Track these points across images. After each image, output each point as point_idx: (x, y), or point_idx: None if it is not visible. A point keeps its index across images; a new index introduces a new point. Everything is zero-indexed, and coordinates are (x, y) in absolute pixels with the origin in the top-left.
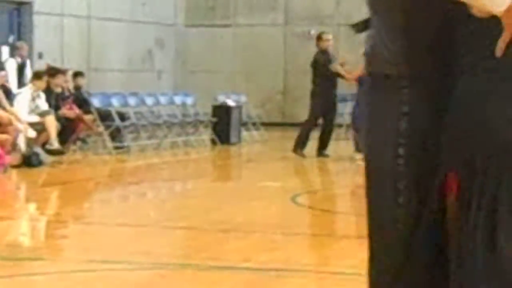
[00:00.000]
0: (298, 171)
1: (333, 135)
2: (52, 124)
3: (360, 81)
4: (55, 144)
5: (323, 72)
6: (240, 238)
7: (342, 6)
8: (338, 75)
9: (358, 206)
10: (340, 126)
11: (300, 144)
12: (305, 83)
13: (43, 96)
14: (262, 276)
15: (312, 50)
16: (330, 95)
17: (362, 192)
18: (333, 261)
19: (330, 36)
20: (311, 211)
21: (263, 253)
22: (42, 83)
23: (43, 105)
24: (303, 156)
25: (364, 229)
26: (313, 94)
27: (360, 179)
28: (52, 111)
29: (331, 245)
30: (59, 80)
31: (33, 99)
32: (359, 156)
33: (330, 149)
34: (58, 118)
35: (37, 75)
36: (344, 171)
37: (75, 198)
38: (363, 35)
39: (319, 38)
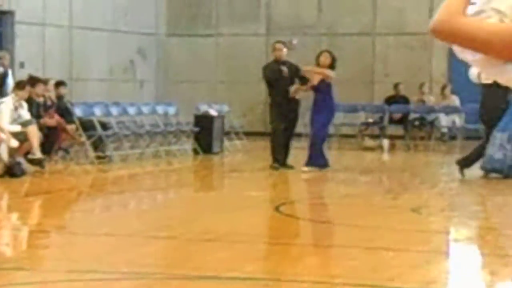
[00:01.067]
0: (281, 181)
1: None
2: (34, 134)
3: (316, 89)
4: (37, 154)
5: (273, 81)
6: (225, 248)
7: (324, 16)
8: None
9: (342, 215)
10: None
11: (277, 157)
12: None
13: (25, 105)
14: (248, 286)
15: (293, 59)
16: (285, 103)
17: (345, 201)
18: (319, 271)
19: (281, 46)
20: (295, 221)
21: (248, 263)
22: (24, 93)
23: (26, 114)
24: (278, 169)
25: (348, 238)
26: (270, 105)
27: (346, 189)
28: (34, 120)
29: (316, 254)
30: (39, 89)
31: (16, 108)
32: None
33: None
34: (40, 127)
35: (19, 85)
36: (327, 181)
37: (58, 208)
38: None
39: (274, 48)
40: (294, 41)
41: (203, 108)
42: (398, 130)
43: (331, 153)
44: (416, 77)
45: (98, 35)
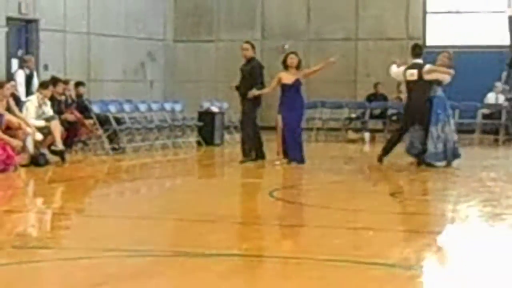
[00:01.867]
0: (274, 169)
1: (305, 137)
2: (56, 128)
3: (290, 87)
4: (59, 146)
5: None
6: (224, 229)
7: (312, 24)
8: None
9: (328, 199)
10: (310, 129)
11: (245, 152)
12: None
13: (48, 103)
14: (244, 262)
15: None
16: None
17: (330, 187)
18: (307, 248)
19: (246, 45)
20: (286, 204)
21: (245, 241)
22: (47, 92)
23: (49, 111)
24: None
25: (333, 220)
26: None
27: (332, 177)
28: (57, 116)
29: (305, 234)
30: (59, 88)
31: (40, 105)
32: (279, 162)
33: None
34: (62, 122)
35: (43, 85)
36: (315, 169)
37: (77, 193)
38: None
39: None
40: (286, 46)
41: (206, 105)
42: (377, 124)
43: (319, 145)
44: (393, 78)
45: (113, 40)
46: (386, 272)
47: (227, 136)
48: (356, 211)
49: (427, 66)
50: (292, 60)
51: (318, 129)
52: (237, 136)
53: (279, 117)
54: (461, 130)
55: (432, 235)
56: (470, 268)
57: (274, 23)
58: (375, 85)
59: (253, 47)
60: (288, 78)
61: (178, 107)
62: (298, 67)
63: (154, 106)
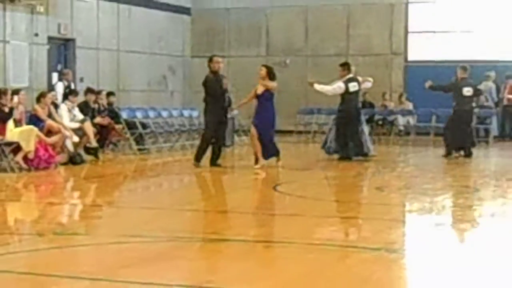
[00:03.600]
0: (277, 167)
1: (304, 139)
2: (89, 128)
3: (258, 97)
4: (93, 143)
5: (213, 91)
6: (234, 218)
7: (310, 42)
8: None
9: (323, 192)
10: (308, 132)
11: (199, 157)
12: (280, 99)
13: (77, 108)
14: (252, 246)
15: (286, 74)
16: (220, 111)
17: (326, 182)
18: (306, 234)
19: (220, 59)
20: (288, 197)
21: (253, 228)
22: (75, 99)
23: (79, 114)
24: (199, 166)
25: (328, 210)
26: (205, 111)
27: (327, 173)
28: (88, 118)
29: (303, 222)
30: (91, 97)
31: (70, 110)
32: (258, 166)
33: (303, 150)
34: (94, 126)
35: (71, 93)
36: (312, 166)
37: (108, 187)
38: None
39: (209, 60)
40: (287, 61)
41: None
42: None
43: (315, 146)
44: (379, 87)
45: (139, 56)
46: (372, 255)
47: (236, 138)
48: (347, 203)
49: (360, 78)
50: (261, 71)
51: (314, 132)
52: (245, 138)
53: (252, 126)
54: (438, 133)
55: (413, 223)
56: (445, 250)
57: (277, 42)
58: (364, 94)
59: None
60: (259, 88)
61: (195, 113)
62: (271, 78)
63: (174, 113)
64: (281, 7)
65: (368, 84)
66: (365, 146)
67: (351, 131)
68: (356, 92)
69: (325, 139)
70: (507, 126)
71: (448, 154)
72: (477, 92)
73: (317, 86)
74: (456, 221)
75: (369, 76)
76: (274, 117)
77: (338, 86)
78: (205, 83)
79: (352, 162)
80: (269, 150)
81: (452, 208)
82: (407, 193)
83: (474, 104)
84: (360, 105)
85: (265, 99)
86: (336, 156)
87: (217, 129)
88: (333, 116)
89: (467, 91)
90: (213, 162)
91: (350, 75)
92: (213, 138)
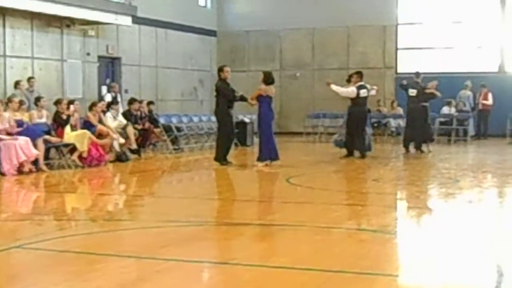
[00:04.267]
0: (290, 162)
1: (312, 139)
2: (131, 132)
3: (260, 101)
4: (133, 145)
5: (226, 94)
6: (255, 205)
7: (316, 57)
8: (242, 99)
9: (328, 183)
10: (315, 133)
11: (221, 156)
12: (291, 106)
13: (120, 115)
14: (269, 229)
15: (296, 85)
16: (229, 114)
17: (330, 175)
18: (314, 219)
19: (229, 69)
20: (299, 188)
21: (269, 214)
22: (117, 107)
23: (123, 120)
24: (227, 164)
25: (332, 198)
26: (217, 112)
27: (331, 167)
28: (130, 123)
29: (313, 209)
30: (135, 106)
31: (114, 117)
32: (261, 164)
33: (311, 148)
34: (137, 130)
35: (113, 103)
36: (319, 162)
37: (149, 181)
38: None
39: (220, 70)
40: (297, 74)
41: (240, 117)
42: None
43: (321, 145)
44: (375, 96)
45: (174, 71)
46: (370, 236)
47: (255, 139)
48: (349, 192)
49: (369, 86)
50: (261, 77)
51: (321, 133)
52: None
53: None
54: None
55: (404, 209)
56: (433, 232)
57: (289, 58)
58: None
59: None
60: (256, 93)
61: None
62: (269, 82)
63: (204, 118)
64: (292, 29)
65: (373, 92)
66: (368, 143)
67: (358, 131)
68: (365, 98)
69: (336, 136)
70: (482, 127)
71: (406, 150)
72: (419, 94)
73: (334, 87)
74: (440, 207)
75: (367, 88)
76: (270, 121)
77: (352, 90)
78: (218, 89)
79: (353, 158)
80: (265, 153)
81: (436, 196)
82: (399, 183)
83: (426, 104)
84: (367, 109)
85: (261, 104)
86: (341, 152)
87: (230, 127)
88: (338, 120)
89: (411, 92)
90: (224, 160)
91: (362, 83)
92: (230, 135)
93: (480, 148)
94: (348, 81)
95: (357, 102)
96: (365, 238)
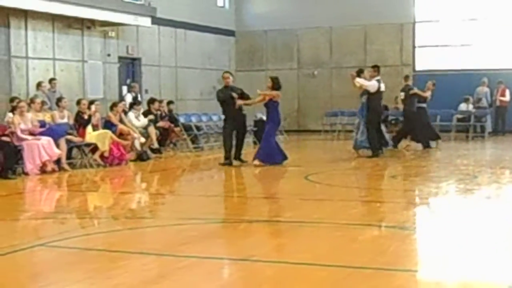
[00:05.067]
0: (308, 160)
1: (330, 137)
2: (152, 132)
3: (266, 105)
4: (155, 144)
5: (222, 99)
6: (273, 202)
7: (334, 56)
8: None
9: (347, 180)
10: (333, 131)
11: (236, 154)
12: (309, 104)
13: (142, 115)
14: (288, 226)
15: (314, 84)
16: (231, 114)
17: (349, 172)
18: (333, 216)
19: (227, 75)
20: (317, 185)
21: (288, 211)
22: (139, 107)
23: (144, 120)
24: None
25: (351, 195)
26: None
27: (350, 164)
28: (152, 123)
29: (331, 205)
30: (155, 106)
31: (136, 117)
32: (257, 162)
33: (329, 146)
34: (157, 129)
35: (135, 103)
36: (337, 159)
37: (170, 179)
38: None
39: (222, 77)
40: (315, 72)
41: (259, 115)
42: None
43: (339, 142)
44: (392, 93)
45: (193, 71)
46: (388, 232)
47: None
48: (367, 189)
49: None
50: (268, 83)
51: (339, 131)
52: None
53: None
54: (441, 130)
55: (422, 205)
56: (451, 228)
57: (306, 57)
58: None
59: (232, 75)
60: (266, 98)
61: None
62: (275, 88)
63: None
64: (309, 28)
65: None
66: (385, 138)
67: (377, 126)
68: (382, 92)
69: (355, 139)
70: (499, 124)
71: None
72: (406, 96)
73: (358, 79)
74: (458, 203)
75: (385, 83)
76: (277, 124)
77: (374, 84)
78: (218, 100)
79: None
80: (269, 156)
81: (454, 192)
82: (416, 180)
83: (423, 105)
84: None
85: (270, 108)
86: (364, 152)
87: (232, 128)
88: (355, 118)
89: (401, 95)
90: (238, 158)
91: (379, 77)
92: (234, 131)
93: (498, 144)
94: (358, 75)
95: (377, 97)
96: (384, 234)
